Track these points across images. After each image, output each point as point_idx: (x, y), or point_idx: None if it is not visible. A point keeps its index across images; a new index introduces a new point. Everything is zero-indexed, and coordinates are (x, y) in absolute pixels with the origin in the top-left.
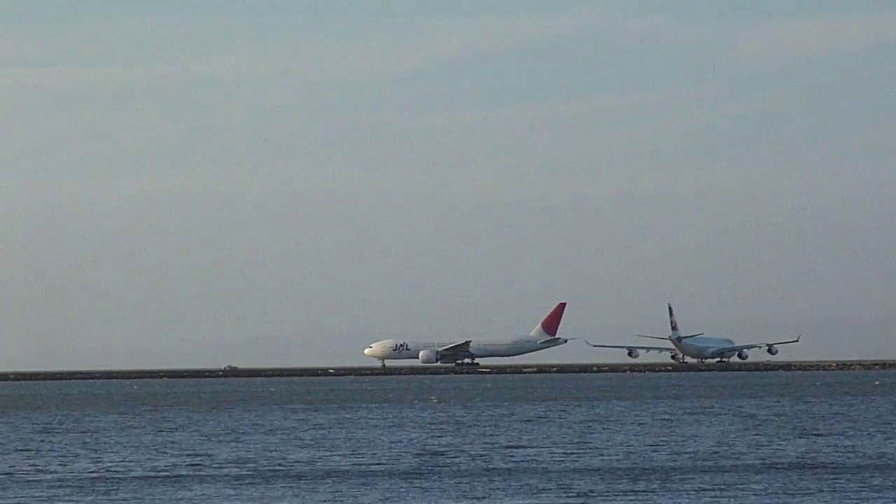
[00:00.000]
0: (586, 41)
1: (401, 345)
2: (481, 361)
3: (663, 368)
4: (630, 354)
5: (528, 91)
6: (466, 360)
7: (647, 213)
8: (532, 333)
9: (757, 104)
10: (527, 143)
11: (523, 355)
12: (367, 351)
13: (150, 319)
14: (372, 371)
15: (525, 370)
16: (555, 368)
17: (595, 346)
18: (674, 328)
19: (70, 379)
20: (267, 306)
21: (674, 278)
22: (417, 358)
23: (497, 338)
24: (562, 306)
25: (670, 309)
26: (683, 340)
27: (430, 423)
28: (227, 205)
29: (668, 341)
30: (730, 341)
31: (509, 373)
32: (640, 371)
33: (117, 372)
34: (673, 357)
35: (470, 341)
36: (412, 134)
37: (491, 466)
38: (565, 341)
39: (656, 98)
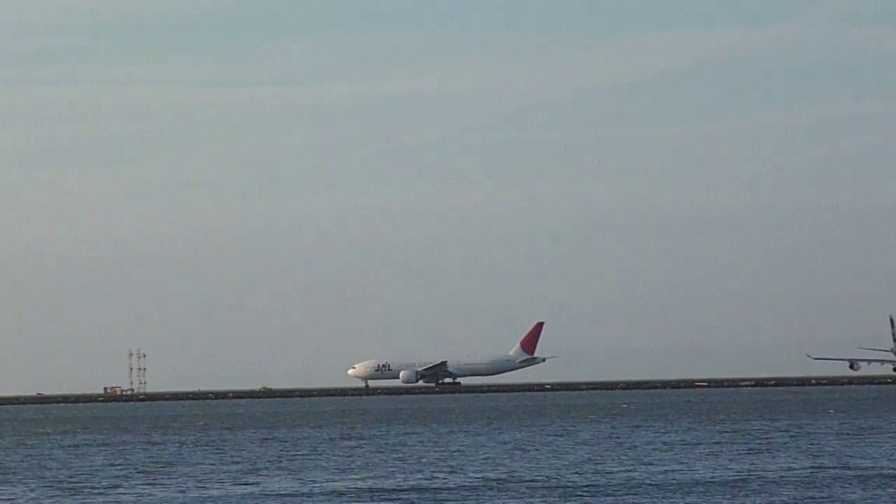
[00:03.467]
0: (789, 53)
1: (383, 365)
2: (462, 381)
3: (885, 381)
4: (851, 367)
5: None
6: (448, 380)
7: (874, 225)
8: (510, 353)
9: None
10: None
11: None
12: (350, 371)
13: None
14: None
15: (742, 384)
16: (773, 381)
17: (816, 358)
18: None
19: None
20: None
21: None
22: (398, 378)
23: (476, 357)
24: (540, 325)
25: (892, 321)
26: None
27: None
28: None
29: (891, 353)
30: None
31: (727, 386)
32: (861, 384)
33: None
34: (895, 369)
35: (446, 361)
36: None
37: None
38: (543, 360)
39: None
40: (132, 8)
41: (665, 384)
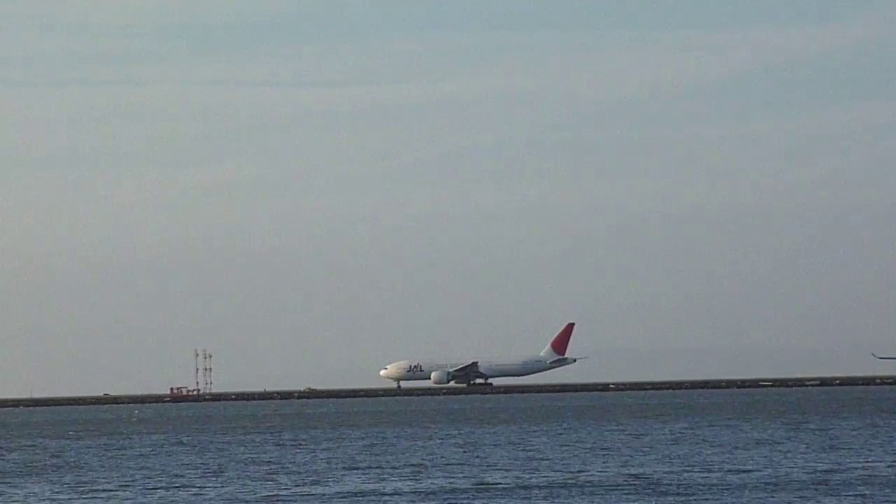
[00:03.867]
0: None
1: (415, 366)
2: (494, 381)
3: None
4: None
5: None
6: (479, 381)
7: None
8: (542, 354)
9: None
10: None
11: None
12: (382, 372)
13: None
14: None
15: (807, 383)
16: (838, 381)
17: (882, 357)
18: None
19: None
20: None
21: None
22: (430, 379)
23: (508, 358)
24: (570, 326)
25: None
26: None
27: None
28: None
29: None
30: None
31: (791, 385)
32: None
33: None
34: None
35: (477, 362)
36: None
37: None
38: (574, 361)
39: None
40: (199, 11)
41: (730, 384)
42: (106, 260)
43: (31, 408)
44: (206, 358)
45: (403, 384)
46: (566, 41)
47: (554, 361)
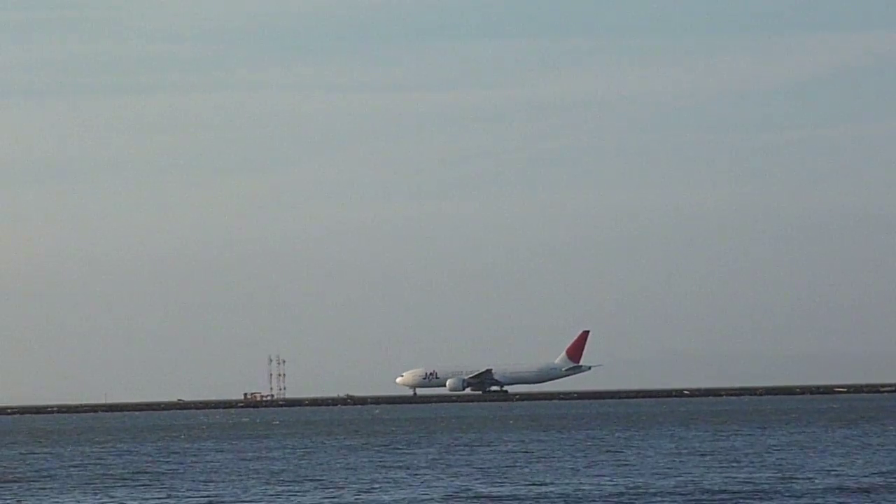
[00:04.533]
0: None
1: (430, 373)
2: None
3: None
4: None
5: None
6: (495, 388)
7: None
8: (556, 361)
9: None
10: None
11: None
12: (398, 380)
13: None
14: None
15: (883, 389)
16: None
17: None
18: None
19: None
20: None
21: None
22: (445, 386)
23: (523, 365)
24: (585, 334)
25: None
26: None
27: None
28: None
29: None
30: None
31: (867, 391)
32: None
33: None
34: None
35: (491, 369)
36: None
37: None
38: (589, 368)
39: None
40: (266, 13)
41: (804, 389)
42: (180, 265)
43: (107, 412)
44: (279, 363)
45: (419, 391)
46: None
47: (569, 369)
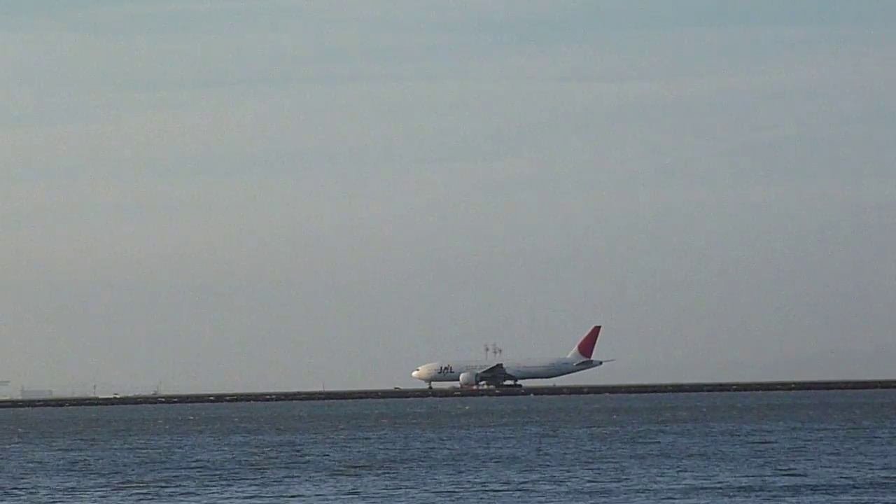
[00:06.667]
0: None
1: (445, 367)
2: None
3: None
4: None
5: None
6: (509, 382)
7: None
8: (568, 356)
9: None
10: None
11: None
12: (414, 374)
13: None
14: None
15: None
16: None
17: None
18: None
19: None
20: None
21: None
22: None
23: (535, 360)
24: (597, 329)
25: None
26: None
27: None
28: None
29: None
30: None
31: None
32: None
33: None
34: None
35: (502, 364)
36: None
37: None
38: (600, 363)
39: None
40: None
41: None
42: (412, 252)
43: (323, 401)
44: (495, 353)
45: (435, 385)
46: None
47: (580, 364)
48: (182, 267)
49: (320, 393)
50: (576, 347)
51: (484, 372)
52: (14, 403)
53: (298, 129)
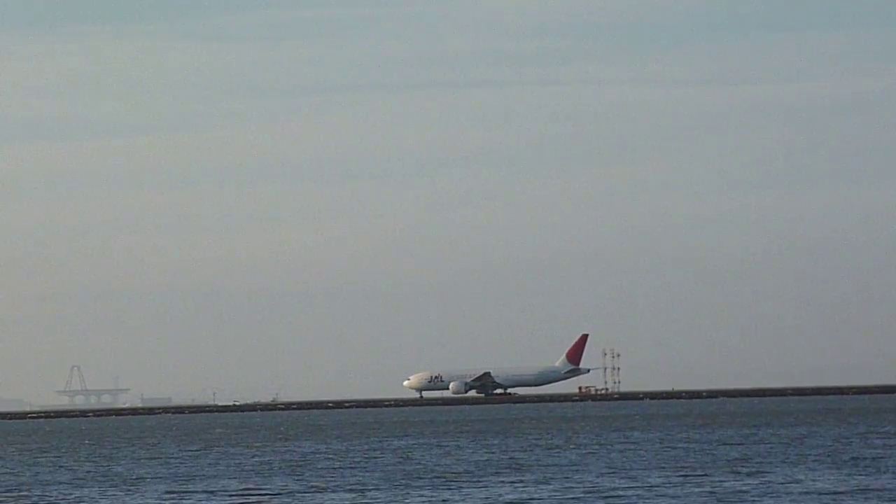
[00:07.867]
0: None
1: (435, 376)
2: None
3: None
4: None
5: None
6: (498, 391)
7: None
8: (556, 364)
9: None
10: None
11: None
12: (405, 383)
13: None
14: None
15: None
16: None
17: None
18: None
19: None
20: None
21: None
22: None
23: (523, 368)
24: (584, 337)
25: None
26: None
27: None
28: None
29: None
30: None
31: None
32: None
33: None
34: None
35: (489, 372)
36: None
37: None
38: (588, 371)
39: None
40: (618, 8)
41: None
42: (502, 255)
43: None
44: (613, 357)
45: (424, 394)
46: None
47: (568, 371)
48: (301, 273)
49: None
50: (564, 355)
51: (473, 381)
52: (134, 411)
53: (423, 135)
